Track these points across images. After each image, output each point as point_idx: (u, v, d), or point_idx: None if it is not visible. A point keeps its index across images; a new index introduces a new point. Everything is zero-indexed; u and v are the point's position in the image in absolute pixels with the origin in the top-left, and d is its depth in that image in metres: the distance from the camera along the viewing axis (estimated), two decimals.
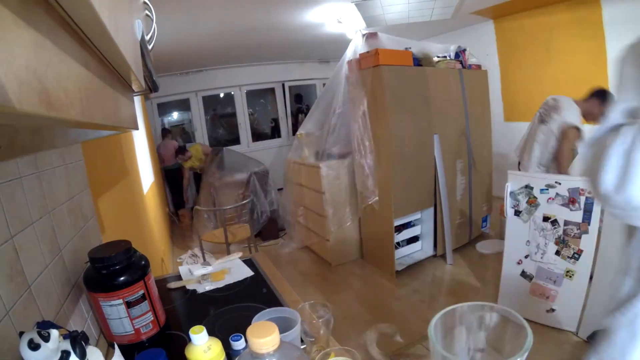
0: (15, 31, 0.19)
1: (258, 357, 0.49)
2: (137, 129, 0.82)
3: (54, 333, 0.53)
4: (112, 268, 0.81)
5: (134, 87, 0.75)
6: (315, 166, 3.11)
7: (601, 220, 1.87)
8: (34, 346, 0.49)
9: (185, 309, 1.12)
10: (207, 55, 4.59)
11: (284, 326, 0.61)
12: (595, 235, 1.88)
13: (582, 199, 1.91)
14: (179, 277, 1.33)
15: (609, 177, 0.62)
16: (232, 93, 5.94)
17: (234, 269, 1.36)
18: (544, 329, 2.04)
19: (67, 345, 0.55)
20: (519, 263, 2.18)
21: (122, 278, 0.81)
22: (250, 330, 0.50)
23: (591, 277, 1.90)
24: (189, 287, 1.24)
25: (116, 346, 0.66)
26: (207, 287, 1.23)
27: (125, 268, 0.83)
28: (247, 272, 1.33)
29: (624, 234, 0.78)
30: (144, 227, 2.32)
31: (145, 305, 0.85)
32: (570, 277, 1.98)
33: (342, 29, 3.74)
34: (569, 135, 2.28)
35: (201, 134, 5.77)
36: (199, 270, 1.34)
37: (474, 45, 4.16)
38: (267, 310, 0.89)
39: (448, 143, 3.01)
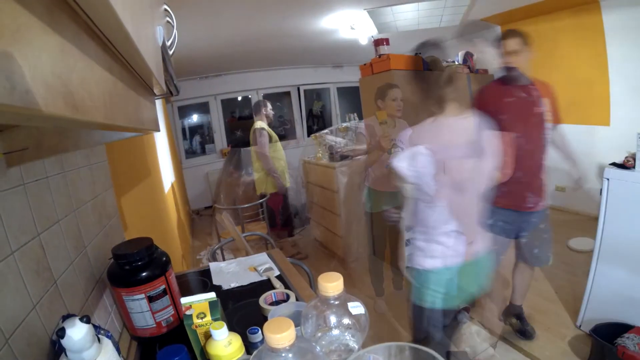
0: (41, 37, 0.20)
1: (275, 352, 0.50)
2: (158, 130, 0.84)
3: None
4: (135, 264, 0.83)
5: (156, 90, 0.77)
6: (330, 166, 3.12)
7: None
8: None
9: None
10: (225, 60, 4.67)
11: (299, 320, 0.62)
12: None
13: None
14: (202, 272, 1.37)
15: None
16: (250, 96, 6.02)
17: (261, 267, 1.37)
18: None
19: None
20: None
21: (144, 273, 0.84)
22: (267, 326, 0.51)
23: None
24: (216, 283, 1.27)
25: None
26: (232, 284, 1.25)
27: (147, 264, 0.85)
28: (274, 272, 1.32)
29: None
30: (164, 224, 2.37)
31: (166, 300, 0.88)
32: None
33: (355, 34, 3.76)
34: None
35: (220, 136, 5.86)
36: (231, 266, 1.37)
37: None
38: (283, 304, 0.90)
39: None
